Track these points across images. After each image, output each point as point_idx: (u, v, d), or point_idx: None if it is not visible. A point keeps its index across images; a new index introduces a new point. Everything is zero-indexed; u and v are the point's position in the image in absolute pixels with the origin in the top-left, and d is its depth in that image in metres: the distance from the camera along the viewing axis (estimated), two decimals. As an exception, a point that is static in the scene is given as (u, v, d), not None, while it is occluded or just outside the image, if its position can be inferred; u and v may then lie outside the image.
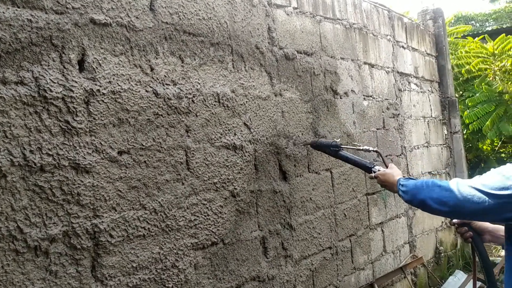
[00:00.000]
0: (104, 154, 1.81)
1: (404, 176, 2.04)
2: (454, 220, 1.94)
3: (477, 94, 5.69)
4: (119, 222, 1.84)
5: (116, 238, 1.82)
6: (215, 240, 2.26)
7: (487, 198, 1.53)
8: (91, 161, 1.75)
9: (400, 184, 1.95)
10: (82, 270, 1.71)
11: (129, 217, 1.88)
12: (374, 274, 3.58)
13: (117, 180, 1.85)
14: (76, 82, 1.73)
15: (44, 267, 1.60)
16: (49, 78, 1.65)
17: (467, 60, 5.97)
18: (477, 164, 6.33)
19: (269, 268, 2.56)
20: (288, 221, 2.72)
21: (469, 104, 5.70)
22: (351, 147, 2.53)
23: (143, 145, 1.96)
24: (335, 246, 3.14)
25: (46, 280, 1.60)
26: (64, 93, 1.69)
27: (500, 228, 1.84)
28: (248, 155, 2.48)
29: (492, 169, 1.62)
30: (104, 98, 1.82)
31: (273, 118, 2.69)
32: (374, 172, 2.23)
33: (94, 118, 1.78)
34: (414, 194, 1.82)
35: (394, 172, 2.09)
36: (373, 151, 2.39)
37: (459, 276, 4.41)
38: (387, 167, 2.20)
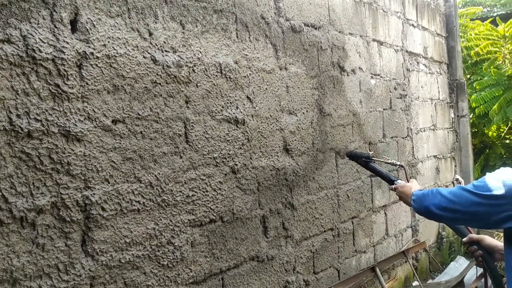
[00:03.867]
0: (97, 122, 1.70)
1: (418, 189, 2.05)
2: (464, 239, 1.98)
3: (486, 78, 5.54)
4: (112, 194, 1.74)
5: (108, 212, 1.72)
6: (214, 218, 2.16)
7: (479, 201, 1.55)
8: (82, 129, 1.64)
9: (412, 195, 1.97)
10: (71, 244, 1.61)
11: (123, 190, 1.77)
12: (376, 257, 3.50)
13: (111, 151, 1.74)
14: (67, 43, 1.60)
15: (31, 240, 1.50)
16: (39, 38, 1.52)
17: (477, 43, 5.79)
18: (482, 149, 6.21)
19: (268, 248, 2.47)
20: (290, 201, 2.62)
21: (477, 87, 5.55)
22: (380, 159, 2.64)
23: (139, 115, 1.84)
24: (337, 228, 3.05)
25: (33, 253, 1.51)
26: (54, 54, 1.56)
27: None
28: (250, 131, 2.37)
29: (487, 173, 1.64)
30: (98, 62, 1.70)
31: (277, 92, 2.57)
32: (395, 184, 2.25)
33: (87, 83, 1.66)
34: (421, 201, 1.86)
35: (413, 186, 2.08)
36: (399, 165, 2.45)
37: (461, 262, 4.34)
38: (408, 181, 2.21)
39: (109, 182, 1.73)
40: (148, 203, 1.87)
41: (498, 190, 1.48)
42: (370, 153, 2.64)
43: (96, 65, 1.69)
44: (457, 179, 5.06)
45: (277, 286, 2.53)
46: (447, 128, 4.98)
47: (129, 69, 1.81)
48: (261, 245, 2.42)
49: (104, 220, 1.71)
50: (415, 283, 3.96)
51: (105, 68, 1.72)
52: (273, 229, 2.50)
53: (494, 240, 1.93)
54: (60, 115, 1.58)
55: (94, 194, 1.67)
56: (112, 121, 1.75)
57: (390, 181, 2.35)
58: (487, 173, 1.62)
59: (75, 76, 1.63)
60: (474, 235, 1.96)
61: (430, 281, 4.19)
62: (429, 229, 4.49)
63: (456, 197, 1.64)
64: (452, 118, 5.06)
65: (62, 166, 1.58)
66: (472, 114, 5.68)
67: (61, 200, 1.58)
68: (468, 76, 6.07)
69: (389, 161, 2.54)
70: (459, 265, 4.26)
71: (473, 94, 5.60)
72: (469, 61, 5.87)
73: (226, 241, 2.22)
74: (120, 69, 1.77)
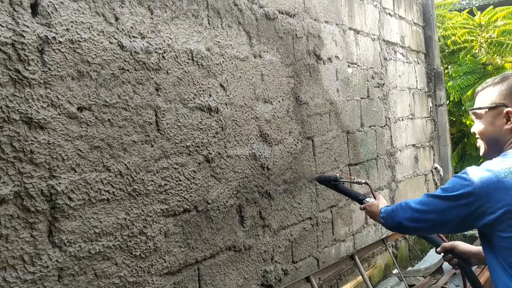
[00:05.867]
0: (62, 109, 1.64)
1: (385, 205, 1.97)
2: (438, 250, 1.93)
3: (462, 66, 5.60)
4: (79, 184, 1.69)
5: (76, 202, 1.67)
6: (188, 207, 2.12)
7: (449, 204, 1.48)
8: (46, 116, 1.59)
9: (380, 212, 1.88)
10: (37, 235, 1.56)
11: (91, 179, 1.73)
12: (355, 246, 3.51)
13: (77, 139, 1.69)
14: (28, 27, 1.55)
15: (-7, 231, 1.45)
16: (-4, 21, 1.46)
17: (454, 31, 5.85)
18: (460, 138, 6.28)
19: (245, 238, 2.45)
20: (267, 190, 2.60)
21: (453, 75, 5.61)
22: (346, 180, 2.57)
23: (106, 102, 1.79)
24: (316, 217, 3.04)
25: (-5, 245, 1.45)
26: (14, 39, 1.50)
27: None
28: (224, 119, 2.33)
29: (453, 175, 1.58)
30: (61, 47, 1.64)
31: (251, 81, 2.54)
32: (364, 203, 2.17)
33: (49, 69, 1.61)
34: (391, 217, 1.77)
35: (380, 203, 2.00)
36: (364, 183, 2.41)
37: (440, 250, 4.37)
38: (375, 198, 2.13)
39: (75, 171, 1.68)
40: (118, 193, 1.82)
41: (466, 187, 1.41)
42: (337, 175, 2.57)
43: (59, 50, 1.64)
44: (435, 168, 5.12)
45: (255, 276, 2.51)
46: (425, 117, 5.02)
47: (95, 54, 1.76)
48: (237, 234, 2.40)
49: (72, 210, 1.66)
50: (395, 270, 3.99)
51: (69, 54, 1.67)
52: (249, 219, 2.48)
53: (467, 245, 1.89)
54: (21, 102, 1.52)
55: (59, 183, 1.62)
56: (78, 109, 1.70)
57: (359, 201, 2.26)
58: (454, 175, 1.58)
59: (37, 61, 1.57)
60: (446, 244, 1.91)
61: (409, 268, 4.22)
62: (409, 218, 4.52)
63: (426, 206, 1.56)
64: (430, 107, 5.10)
65: (25, 155, 1.53)
66: (448, 102, 5.74)
67: (24, 190, 1.52)
68: (446, 65, 6.12)
69: (355, 181, 2.51)
70: (438, 252, 4.28)
71: (450, 82, 5.66)
72: (446, 51, 5.92)
73: (202, 231, 2.19)
74: (85, 55, 1.72)
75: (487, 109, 1.54)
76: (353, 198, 2.38)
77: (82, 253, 1.69)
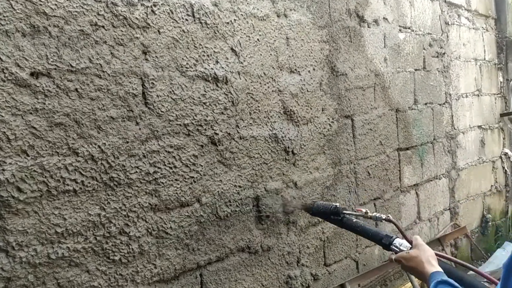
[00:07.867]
0: (7, 74, 1.27)
1: (438, 270, 1.31)
2: None
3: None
4: (34, 171, 1.32)
5: (28, 194, 1.30)
6: (186, 200, 1.71)
7: None
8: (-18, 82, 1.22)
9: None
10: (-28, 237, 1.21)
11: (50, 165, 1.35)
12: (405, 245, 2.97)
13: (30, 113, 1.32)
14: (-47, -35, 1.17)
15: None
16: None
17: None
18: (536, 120, 5.48)
19: (263, 237, 2.01)
20: (292, 178, 2.14)
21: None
22: (357, 213, 1.75)
23: (72, 67, 1.40)
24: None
25: None
26: None
27: None
28: (236, 91, 1.89)
29: None
30: (5, -7, 1.26)
31: (273, 45, 2.07)
32: (396, 252, 1.51)
33: (-11, 22, 1.23)
34: None
35: (423, 256, 1.37)
36: (385, 220, 1.65)
37: (509, 249, 3.74)
38: (409, 241, 1.50)
39: (28, 155, 1.31)
40: (89, 182, 1.44)
41: None
42: (337, 204, 1.82)
43: (3, -3, 1.26)
44: (505, 154, 4.42)
45: (276, 282, 2.08)
46: (494, 93, 4.31)
47: (55, 5, 1.37)
48: (253, 233, 1.97)
49: (22, 205, 1.30)
50: (454, 274, 3.41)
51: (18, 2, 1.29)
52: (269, 214, 2.03)
53: None
54: None
55: (3, 170, 1.26)
56: (31, 74, 1.32)
57: (384, 246, 1.59)
58: None
59: (-30, 11, 1.20)
60: None
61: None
62: (472, 212, 3.90)
63: None
64: (501, 82, 4.39)
65: (-49, 133, 1.17)
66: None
67: (-49, 179, 1.17)
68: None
69: (368, 215, 1.68)
70: (506, 253, 3.66)
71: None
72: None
73: (205, 229, 1.78)
74: (41, 4, 1.34)
75: None
76: (372, 240, 1.67)
77: (39, 259, 1.33)
